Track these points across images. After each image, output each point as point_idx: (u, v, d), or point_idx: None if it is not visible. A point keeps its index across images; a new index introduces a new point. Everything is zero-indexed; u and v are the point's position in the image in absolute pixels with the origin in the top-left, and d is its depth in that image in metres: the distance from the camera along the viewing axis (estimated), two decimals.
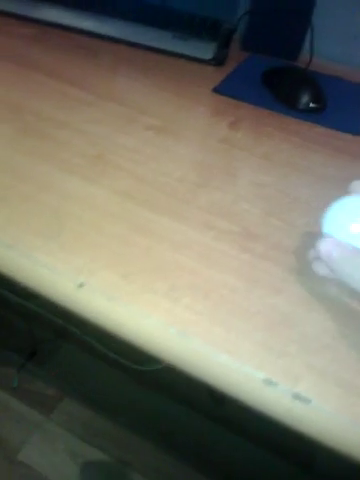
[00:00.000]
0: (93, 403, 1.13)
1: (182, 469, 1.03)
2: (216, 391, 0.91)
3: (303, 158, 0.51)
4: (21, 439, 1.03)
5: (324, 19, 0.77)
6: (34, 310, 1.30)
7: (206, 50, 0.73)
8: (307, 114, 0.62)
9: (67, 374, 1.19)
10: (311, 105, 0.63)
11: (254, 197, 0.43)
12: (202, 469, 1.04)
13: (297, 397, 0.26)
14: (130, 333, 0.30)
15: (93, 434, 1.07)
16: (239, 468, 1.06)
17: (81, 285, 0.31)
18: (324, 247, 0.29)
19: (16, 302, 1.32)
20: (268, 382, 0.26)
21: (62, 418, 1.09)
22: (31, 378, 1.16)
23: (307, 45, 0.77)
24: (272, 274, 0.34)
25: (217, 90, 0.64)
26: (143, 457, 1.04)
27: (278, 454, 1.09)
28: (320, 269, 0.31)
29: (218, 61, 0.72)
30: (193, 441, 1.09)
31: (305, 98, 0.63)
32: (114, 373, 1.20)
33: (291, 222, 0.40)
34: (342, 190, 0.33)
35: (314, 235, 0.32)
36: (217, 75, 0.68)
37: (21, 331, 1.26)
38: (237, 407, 1.09)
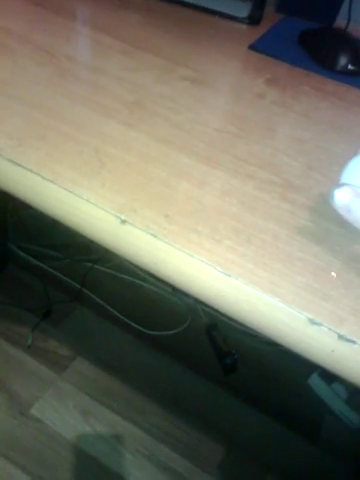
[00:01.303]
0: (105, 364, 1.15)
1: (189, 432, 1.05)
2: (227, 358, 0.91)
3: (342, 117, 0.50)
4: (34, 395, 1.05)
5: None
6: (50, 272, 1.32)
7: (241, 8, 0.71)
8: (344, 76, 0.60)
9: (80, 335, 1.20)
10: (349, 67, 0.61)
11: (293, 151, 0.42)
12: (208, 433, 1.06)
13: (342, 338, 0.26)
14: (172, 271, 0.30)
15: (103, 394, 1.09)
16: (245, 435, 1.07)
17: (124, 222, 0.30)
18: (340, 195, 0.29)
19: (33, 264, 1.33)
20: (312, 322, 0.26)
21: (74, 377, 1.11)
22: (45, 337, 1.18)
23: (343, 11, 0.75)
24: (315, 224, 0.34)
25: (253, 47, 0.62)
26: (151, 418, 1.05)
27: (284, 423, 1.11)
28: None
29: (253, 20, 0.70)
30: (201, 406, 1.10)
31: (343, 60, 0.61)
32: (126, 337, 1.21)
33: (331, 176, 0.39)
34: None
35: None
36: (252, 34, 0.66)
37: (36, 292, 1.28)
38: (246, 375, 1.11)
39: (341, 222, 0.33)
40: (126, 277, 1.37)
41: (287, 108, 0.50)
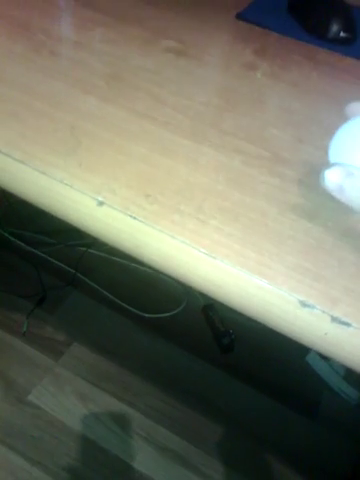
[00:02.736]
0: (101, 349, 1.14)
1: (187, 413, 1.05)
2: (224, 338, 0.90)
3: (334, 87, 0.48)
4: (31, 381, 1.04)
5: None
6: (44, 258, 1.30)
7: None
8: (336, 44, 0.57)
9: (76, 321, 1.19)
10: (342, 34, 0.58)
11: (283, 123, 0.40)
12: (206, 413, 1.05)
13: (335, 320, 0.24)
14: (154, 254, 0.28)
15: (101, 378, 1.08)
16: (243, 414, 1.07)
17: (101, 203, 0.28)
18: (331, 176, 0.27)
19: (26, 250, 1.31)
20: (304, 304, 0.24)
21: (71, 362, 1.10)
22: (41, 324, 1.17)
23: None
24: (306, 199, 0.32)
25: (241, 16, 0.59)
26: (149, 400, 1.05)
27: (282, 400, 1.11)
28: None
29: None
30: (199, 387, 1.10)
31: (335, 27, 0.58)
32: (122, 320, 1.20)
33: (323, 148, 0.37)
34: None
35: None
36: (239, 2, 0.63)
37: (30, 278, 1.26)
38: (243, 355, 1.10)
39: (332, 196, 0.31)
40: (121, 260, 1.35)
41: (277, 79, 0.47)
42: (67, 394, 1.04)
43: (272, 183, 0.32)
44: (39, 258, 1.30)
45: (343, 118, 0.41)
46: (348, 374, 1.16)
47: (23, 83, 0.38)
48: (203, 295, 1.27)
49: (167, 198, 0.30)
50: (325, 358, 1.18)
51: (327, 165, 0.28)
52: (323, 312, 0.24)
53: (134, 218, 0.28)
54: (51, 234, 1.37)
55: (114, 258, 1.34)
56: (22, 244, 1.33)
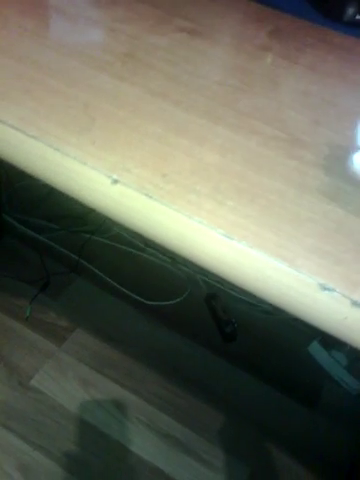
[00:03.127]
0: (104, 335, 1.14)
1: (189, 400, 1.05)
2: (227, 327, 0.89)
3: (350, 71, 0.46)
4: (34, 366, 1.04)
5: None
6: (47, 244, 1.29)
7: None
8: (351, 28, 0.56)
9: (79, 307, 1.19)
10: (358, 17, 0.57)
11: (299, 105, 0.39)
12: (208, 401, 1.06)
13: (356, 304, 0.23)
14: (170, 235, 0.27)
15: (103, 364, 1.08)
16: (245, 402, 1.07)
17: (115, 181, 0.28)
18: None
19: (29, 235, 1.30)
20: (323, 287, 0.24)
21: (73, 348, 1.10)
22: (44, 309, 1.17)
23: None
24: (324, 182, 0.31)
25: None
26: (151, 387, 1.05)
27: (284, 390, 1.11)
28: None
29: None
30: (201, 375, 1.10)
31: (351, 10, 0.57)
32: (125, 307, 1.20)
33: (341, 132, 0.36)
34: None
35: None
36: None
37: (34, 263, 1.25)
38: (246, 344, 1.09)
39: (352, 180, 0.31)
40: (124, 247, 1.35)
41: (292, 61, 0.46)
42: (69, 379, 1.04)
43: (290, 165, 0.32)
44: (43, 244, 1.29)
45: None
46: (350, 365, 1.16)
47: (36, 60, 0.37)
48: (206, 284, 1.27)
49: (183, 178, 0.29)
50: (327, 348, 1.18)
51: (355, 149, 0.27)
52: (343, 296, 0.24)
53: (150, 197, 0.27)
54: (54, 220, 1.36)
55: (118, 245, 1.33)
56: (26, 229, 1.32)
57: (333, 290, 0.24)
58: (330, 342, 1.20)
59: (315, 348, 1.21)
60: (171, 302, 1.23)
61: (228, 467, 0.99)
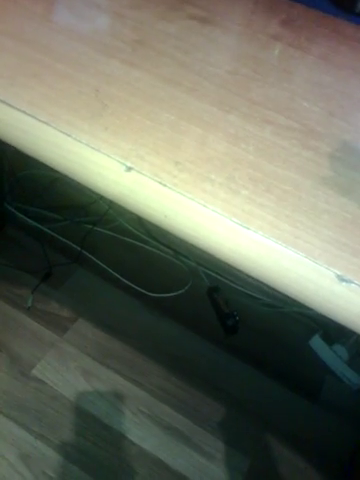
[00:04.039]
0: (106, 326, 1.13)
1: (190, 392, 1.05)
2: (229, 320, 0.89)
3: None
4: (35, 356, 1.04)
5: None
6: (49, 234, 1.29)
7: None
8: None
9: (81, 298, 1.19)
10: None
11: (313, 96, 0.38)
12: (209, 393, 1.06)
13: None
14: (184, 224, 0.27)
15: (105, 355, 1.08)
16: (246, 395, 1.07)
17: (129, 169, 0.27)
18: None
19: (31, 225, 1.30)
20: (341, 279, 0.23)
21: (75, 339, 1.10)
22: (46, 300, 1.16)
23: None
24: (340, 174, 0.30)
25: None
26: (153, 379, 1.05)
27: (285, 383, 1.11)
28: None
29: None
30: (202, 367, 1.10)
31: None
32: (127, 299, 1.20)
33: (356, 124, 0.36)
34: None
35: None
36: None
37: (36, 254, 1.25)
38: (247, 337, 1.09)
39: None
40: (127, 239, 1.34)
41: (304, 51, 0.45)
42: (71, 370, 1.04)
43: (305, 156, 0.31)
44: (45, 234, 1.29)
45: None
46: (351, 359, 1.16)
47: (45, 44, 0.36)
48: (208, 276, 1.27)
49: (197, 166, 0.28)
50: (328, 343, 1.18)
51: None
52: None
53: (164, 185, 0.27)
54: (57, 210, 1.36)
55: (120, 237, 1.33)
56: (28, 219, 1.31)
57: (351, 282, 0.23)
58: (332, 336, 1.20)
59: (316, 342, 1.21)
60: (173, 294, 1.22)
61: (228, 458, 0.99)
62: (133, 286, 1.21)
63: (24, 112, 0.29)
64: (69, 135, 0.28)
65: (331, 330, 1.20)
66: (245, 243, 0.25)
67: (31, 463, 0.91)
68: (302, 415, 1.09)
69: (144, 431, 0.98)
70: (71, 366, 1.06)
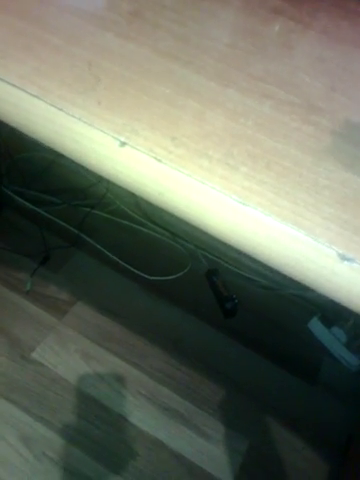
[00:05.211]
0: (105, 309, 1.13)
1: (189, 374, 1.06)
2: (227, 303, 0.89)
3: None
4: (35, 339, 1.04)
5: None
6: (47, 217, 1.28)
7: None
8: None
9: (80, 281, 1.18)
10: None
11: (314, 71, 0.37)
12: (209, 376, 1.06)
13: None
14: (180, 201, 0.26)
15: (104, 338, 1.08)
16: (245, 377, 1.08)
17: (123, 144, 0.26)
18: None
19: (29, 209, 1.29)
20: (343, 257, 0.23)
21: (74, 322, 1.10)
22: (44, 283, 1.16)
23: None
24: (341, 149, 0.29)
25: None
26: (152, 361, 1.05)
27: (284, 365, 1.11)
28: None
29: None
30: (201, 349, 1.10)
31: None
32: (126, 282, 1.19)
33: (357, 99, 0.35)
34: None
35: None
36: None
37: (34, 237, 1.24)
38: (246, 319, 1.09)
39: None
40: (125, 222, 1.33)
41: (305, 25, 0.44)
42: (71, 352, 1.04)
43: (305, 131, 0.30)
44: (43, 217, 1.28)
45: None
46: (349, 341, 1.16)
47: (36, 16, 0.35)
48: (207, 259, 1.27)
49: (194, 142, 0.27)
50: (327, 325, 1.18)
51: None
52: None
53: (159, 161, 0.26)
54: (54, 193, 1.34)
55: (118, 220, 1.32)
56: (25, 203, 1.30)
57: (353, 260, 0.23)
58: (330, 319, 1.20)
59: (315, 324, 1.21)
60: (172, 277, 1.22)
61: (227, 439, 1.00)
62: (132, 269, 1.20)
63: (15, 86, 0.28)
64: (61, 109, 0.27)
65: (330, 312, 1.20)
66: (243, 221, 0.24)
67: (32, 444, 0.92)
68: (300, 397, 1.10)
69: (143, 412, 0.98)
70: (71, 349, 1.06)
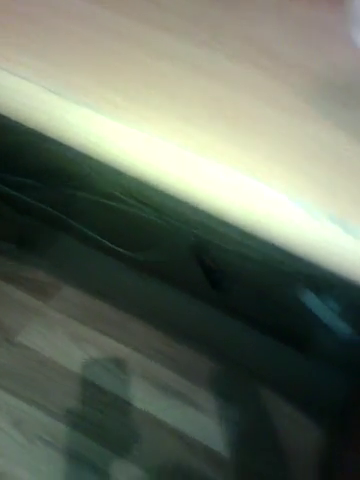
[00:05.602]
0: (93, 290, 1.12)
1: (183, 351, 1.05)
2: (216, 273, 0.87)
3: None
4: (20, 323, 1.03)
5: None
6: (28, 202, 1.25)
7: None
8: None
9: (66, 264, 1.17)
10: None
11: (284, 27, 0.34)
12: (202, 351, 1.06)
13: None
14: (129, 158, 0.24)
15: (93, 319, 1.07)
16: (239, 350, 1.08)
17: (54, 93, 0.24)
18: None
19: (9, 193, 1.26)
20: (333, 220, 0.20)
21: (62, 305, 1.08)
22: (29, 268, 1.14)
23: None
24: (311, 105, 0.27)
25: None
26: (144, 339, 1.05)
27: (277, 337, 1.11)
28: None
29: None
30: (194, 325, 1.09)
31: None
32: (113, 262, 1.18)
33: (333, 57, 0.32)
34: None
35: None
36: None
37: (16, 222, 1.22)
38: (238, 294, 1.08)
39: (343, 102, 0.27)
40: (109, 202, 1.30)
41: None
42: (59, 335, 1.03)
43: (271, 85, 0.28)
44: (24, 201, 1.25)
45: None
46: (342, 311, 1.16)
47: None
48: (194, 235, 1.25)
49: (137, 89, 0.25)
50: (319, 296, 1.18)
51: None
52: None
53: (114, 119, 0.23)
54: (34, 176, 1.31)
55: (102, 200, 1.29)
56: (6, 188, 1.27)
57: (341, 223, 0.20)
58: (322, 289, 1.19)
59: (307, 295, 1.20)
60: (158, 254, 1.20)
61: (222, 411, 1.00)
62: (118, 249, 1.18)
63: None
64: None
65: (321, 283, 1.19)
66: (204, 180, 0.22)
67: (25, 429, 0.91)
68: (294, 367, 1.10)
69: (138, 390, 0.98)
70: (58, 331, 1.05)
